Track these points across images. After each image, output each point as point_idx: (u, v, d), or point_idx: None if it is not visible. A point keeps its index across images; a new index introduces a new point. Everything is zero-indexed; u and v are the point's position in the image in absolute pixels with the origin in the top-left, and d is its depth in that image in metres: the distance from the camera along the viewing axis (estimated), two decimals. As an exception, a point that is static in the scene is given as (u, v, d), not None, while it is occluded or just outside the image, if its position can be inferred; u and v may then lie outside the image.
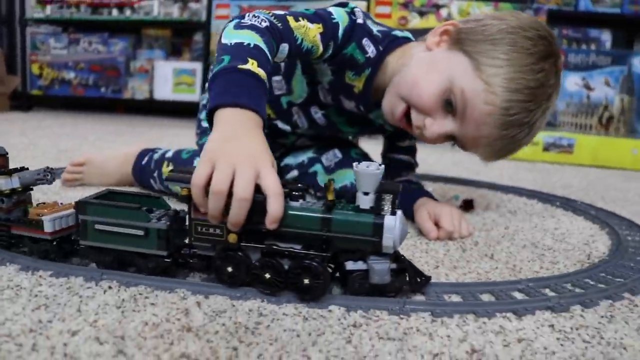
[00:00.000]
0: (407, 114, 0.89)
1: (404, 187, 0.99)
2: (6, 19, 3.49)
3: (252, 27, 0.77)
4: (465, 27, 0.87)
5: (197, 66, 2.98)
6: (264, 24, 0.78)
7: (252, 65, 0.71)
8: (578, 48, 2.89)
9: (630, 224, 1.08)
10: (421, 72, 0.88)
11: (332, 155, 1.14)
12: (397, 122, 0.92)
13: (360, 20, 0.93)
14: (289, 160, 1.19)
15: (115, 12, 3.05)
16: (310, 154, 1.16)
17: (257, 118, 0.66)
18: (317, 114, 1.05)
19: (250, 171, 0.58)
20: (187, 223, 0.63)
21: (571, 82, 2.60)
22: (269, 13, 0.82)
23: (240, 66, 0.70)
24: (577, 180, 1.70)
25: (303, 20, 0.84)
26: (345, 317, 0.56)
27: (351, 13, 0.93)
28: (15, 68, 3.51)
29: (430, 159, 1.96)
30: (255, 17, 0.79)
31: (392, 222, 0.58)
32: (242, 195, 0.57)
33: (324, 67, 0.96)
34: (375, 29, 0.95)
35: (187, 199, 0.61)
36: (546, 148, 2.09)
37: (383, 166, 0.60)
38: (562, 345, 0.54)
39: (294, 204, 0.61)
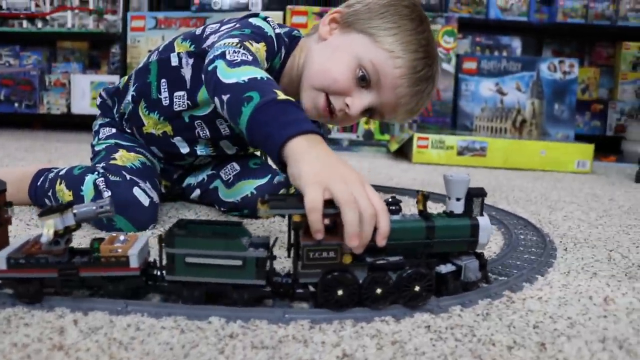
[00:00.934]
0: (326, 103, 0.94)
1: None
2: None
3: (246, 63, 0.79)
4: (350, 10, 0.96)
5: (115, 79, 2.91)
6: (250, 57, 0.82)
7: (281, 95, 0.72)
8: (490, 55, 3.02)
9: (525, 224, 1.13)
10: (326, 59, 0.94)
11: (230, 169, 1.14)
12: (321, 114, 0.96)
13: (277, 30, 0.98)
14: (190, 179, 1.18)
15: (25, 24, 2.94)
16: (208, 171, 1.16)
17: (321, 138, 0.68)
18: (223, 125, 1.05)
19: (366, 188, 0.62)
20: (291, 250, 0.64)
21: (485, 87, 2.71)
22: (238, 44, 0.83)
23: (278, 98, 0.71)
24: (486, 182, 1.77)
25: (253, 43, 0.88)
26: (223, 328, 0.56)
27: (270, 24, 0.98)
28: None
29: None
30: (236, 52, 0.81)
31: (485, 223, 0.67)
32: (380, 208, 0.61)
33: None
34: (282, 31, 1.00)
35: (300, 225, 0.60)
36: (460, 152, 2.17)
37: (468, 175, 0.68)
38: (433, 345, 0.56)
39: (395, 217, 0.65)
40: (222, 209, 1.13)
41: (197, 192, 1.18)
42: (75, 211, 0.65)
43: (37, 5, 2.97)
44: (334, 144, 2.51)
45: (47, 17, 2.92)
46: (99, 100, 1.18)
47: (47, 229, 0.63)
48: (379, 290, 0.62)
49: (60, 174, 1.06)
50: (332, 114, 0.95)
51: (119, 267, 0.63)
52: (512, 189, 1.65)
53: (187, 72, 1.02)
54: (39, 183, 1.09)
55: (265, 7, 2.53)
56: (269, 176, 1.09)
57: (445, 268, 0.67)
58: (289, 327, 0.58)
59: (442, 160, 2.16)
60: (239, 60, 0.79)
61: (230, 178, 1.12)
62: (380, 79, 0.92)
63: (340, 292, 0.61)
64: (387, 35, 0.92)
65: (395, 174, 1.83)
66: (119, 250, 0.63)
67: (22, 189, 1.11)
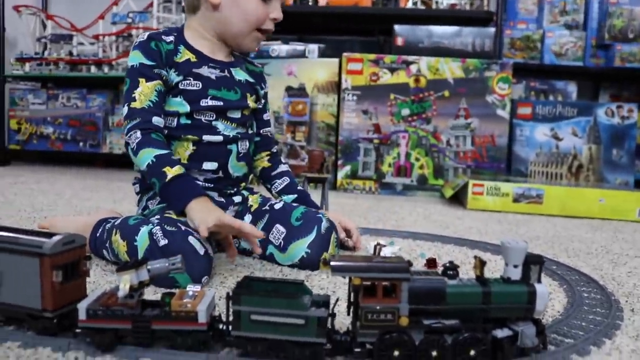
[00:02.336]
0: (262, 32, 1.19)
1: (300, 192, 1.30)
2: (-15, 75, 3.52)
3: (140, 146, 1.06)
4: None
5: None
6: (140, 135, 1.07)
7: (170, 172, 1.04)
8: (545, 100, 2.99)
9: (588, 280, 1.11)
10: (238, 9, 1.14)
11: (277, 233, 1.17)
12: (262, 40, 1.21)
13: (142, 37, 1.14)
14: (244, 244, 1.21)
15: (93, 69, 3.10)
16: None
17: (201, 194, 1.05)
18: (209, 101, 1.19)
19: (223, 219, 1.00)
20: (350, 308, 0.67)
21: (540, 132, 2.68)
22: (130, 128, 1.08)
23: (167, 180, 1.03)
24: (544, 231, 1.74)
25: (136, 92, 1.10)
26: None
27: (136, 45, 1.13)
28: (-7, 123, 3.53)
29: (403, 212, 1.99)
30: (130, 137, 1.07)
31: (543, 290, 0.68)
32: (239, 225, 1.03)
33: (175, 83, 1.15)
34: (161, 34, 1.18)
35: (359, 287, 0.63)
36: (516, 199, 2.14)
37: (526, 242, 0.69)
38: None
39: (453, 282, 0.67)
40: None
41: (255, 256, 1.21)
42: (149, 267, 0.69)
43: (104, 51, 3.13)
44: (389, 188, 2.53)
45: (113, 63, 3.07)
46: (137, 188, 1.24)
47: (123, 283, 0.67)
48: (434, 353, 0.64)
49: (115, 224, 1.10)
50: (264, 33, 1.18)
51: (188, 321, 0.66)
52: (570, 239, 1.61)
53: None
54: (97, 234, 1.14)
55: (322, 55, 2.59)
56: (315, 229, 1.13)
57: (501, 333, 0.67)
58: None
59: (498, 207, 2.14)
60: (134, 147, 1.07)
61: (281, 242, 1.15)
62: None
63: (396, 353, 0.63)
64: None
65: (451, 222, 1.82)
66: (189, 306, 0.67)
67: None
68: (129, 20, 3.04)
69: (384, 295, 0.63)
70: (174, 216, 1.05)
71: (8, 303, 0.72)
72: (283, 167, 1.33)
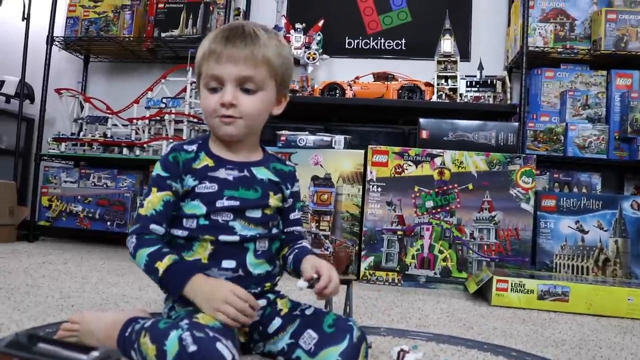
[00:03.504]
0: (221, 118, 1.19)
1: (299, 250, 1.27)
2: (23, 153, 3.66)
3: (135, 249, 1.15)
4: None
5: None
6: (135, 240, 1.16)
7: (159, 265, 1.12)
8: (570, 192, 3.00)
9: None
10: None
11: (309, 337, 1.15)
12: (225, 123, 1.19)
13: (167, 149, 1.23)
14: (271, 347, 1.21)
15: (125, 151, 3.21)
16: (287, 340, 1.18)
17: (194, 272, 1.13)
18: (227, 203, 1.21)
19: (235, 290, 1.11)
20: None
21: (565, 225, 2.68)
22: (135, 226, 1.18)
23: (160, 275, 1.12)
24: (570, 334, 1.71)
25: (146, 200, 1.18)
26: None
27: (164, 157, 1.22)
28: (26, 199, 3.64)
29: (426, 308, 1.97)
30: (128, 242, 1.17)
31: None
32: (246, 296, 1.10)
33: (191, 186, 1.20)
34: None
35: None
36: (541, 296, 2.11)
37: None
38: None
39: None
40: None
41: (281, 359, 1.20)
42: None
43: (136, 134, 3.25)
44: (412, 280, 2.51)
45: (145, 145, 3.19)
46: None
47: None
48: None
49: (145, 326, 1.10)
50: (234, 120, 1.18)
51: None
52: (598, 345, 1.58)
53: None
54: (126, 334, 1.15)
55: (347, 145, 2.66)
56: (348, 337, 1.11)
57: None
58: None
59: (523, 304, 2.11)
60: (132, 251, 1.16)
61: (311, 348, 1.13)
62: (213, 73, 1.17)
63: None
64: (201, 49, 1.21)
65: (475, 321, 1.80)
66: None
67: (112, 337, 1.17)
68: (162, 105, 3.17)
69: None
70: (202, 321, 1.06)
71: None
72: (298, 244, 1.31)
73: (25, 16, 3.47)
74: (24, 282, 1.93)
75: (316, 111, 2.99)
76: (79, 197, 3.30)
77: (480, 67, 3.10)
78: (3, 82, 3.69)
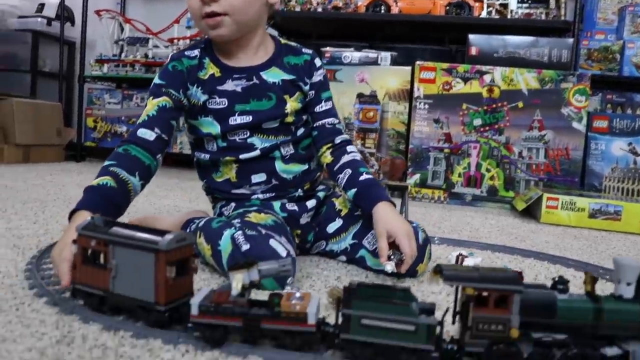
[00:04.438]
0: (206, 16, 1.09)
1: (363, 182, 1.13)
2: (66, 75, 3.69)
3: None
4: None
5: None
6: (114, 150, 1.06)
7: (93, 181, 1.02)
8: (623, 113, 2.90)
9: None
10: None
11: (373, 238, 1.12)
12: (211, 24, 1.08)
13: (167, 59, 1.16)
14: (333, 246, 1.20)
15: (168, 71, 3.20)
16: (350, 240, 1.17)
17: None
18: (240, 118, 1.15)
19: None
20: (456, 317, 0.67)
21: (616, 146, 2.59)
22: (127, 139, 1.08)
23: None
24: (625, 250, 1.68)
25: (147, 105, 1.10)
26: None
27: (163, 67, 1.15)
28: (71, 121, 3.69)
29: (475, 223, 1.96)
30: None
31: None
32: None
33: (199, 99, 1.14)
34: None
35: (472, 297, 0.63)
36: (592, 215, 2.08)
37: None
38: None
39: (563, 297, 0.66)
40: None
41: (343, 258, 1.20)
42: (260, 268, 0.71)
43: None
44: (458, 198, 2.50)
45: (187, 65, 3.16)
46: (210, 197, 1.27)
47: (236, 282, 0.69)
48: None
49: (200, 225, 1.11)
50: (218, 17, 1.07)
51: (297, 322, 0.68)
52: (655, 259, 1.56)
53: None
54: None
55: (393, 62, 2.59)
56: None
57: (611, 351, 0.66)
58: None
59: (573, 222, 2.08)
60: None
61: (376, 247, 1.08)
62: None
63: None
64: None
65: (526, 235, 1.78)
66: (298, 307, 0.68)
67: None
68: (204, 25, 3.12)
69: (496, 306, 0.63)
70: (254, 220, 1.05)
71: (121, 294, 0.76)
72: (345, 158, 1.19)
73: None
74: (78, 194, 1.97)
75: (360, 28, 2.90)
76: (122, 117, 3.33)
77: (533, -18, 2.94)
78: (43, 5, 3.68)
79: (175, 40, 3.22)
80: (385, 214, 1.06)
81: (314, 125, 1.22)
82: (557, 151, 2.44)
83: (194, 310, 0.69)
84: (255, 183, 1.17)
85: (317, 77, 1.22)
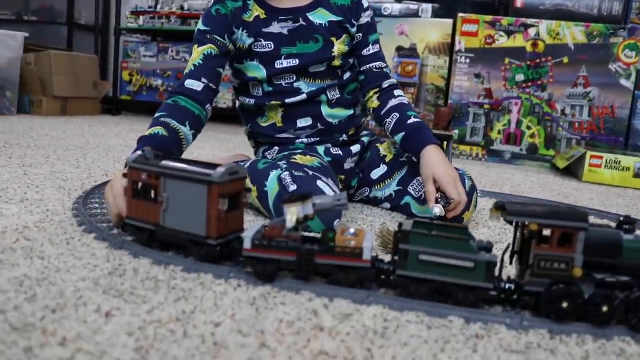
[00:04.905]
0: None
1: (411, 125, 1.11)
2: (101, 28, 3.69)
3: (158, 111, 1.02)
4: None
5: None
6: (164, 102, 1.04)
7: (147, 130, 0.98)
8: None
9: None
10: None
11: (418, 184, 1.11)
12: None
13: (209, 3, 1.11)
14: (377, 192, 1.19)
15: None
16: (394, 186, 1.16)
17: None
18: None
19: None
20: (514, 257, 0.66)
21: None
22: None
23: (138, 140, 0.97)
24: (672, 208, 1.63)
25: (192, 55, 1.08)
26: (465, 328, 0.57)
27: (206, 11, 1.10)
28: (107, 74, 3.71)
29: (516, 179, 1.93)
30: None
31: None
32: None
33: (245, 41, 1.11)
34: None
35: (535, 233, 0.61)
36: (637, 174, 2.02)
37: None
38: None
39: (629, 237, 0.64)
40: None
41: (387, 205, 1.18)
42: (315, 202, 0.69)
43: (213, 6, 3.19)
44: (496, 155, 2.45)
45: (222, 18, 3.13)
46: (252, 142, 1.26)
47: (290, 215, 0.68)
48: (604, 308, 0.61)
49: (245, 167, 1.10)
50: None
51: (352, 257, 0.67)
52: None
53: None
54: None
55: (435, 14, 2.52)
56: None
57: None
58: (530, 335, 0.57)
59: (616, 182, 2.02)
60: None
61: (421, 194, 1.08)
62: None
63: (565, 304, 0.61)
64: None
65: (569, 192, 1.75)
66: (353, 242, 0.67)
67: None
68: (240, -24, 3.07)
69: (559, 245, 0.61)
70: (300, 161, 1.05)
71: (172, 228, 0.76)
72: (392, 102, 1.16)
73: None
74: (117, 143, 2.00)
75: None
76: (158, 70, 3.33)
77: None
78: (79, -45, 3.67)
79: (211, -8, 3.18)
80: (433, 157, 1.04)
81: (361, 69, 1.19)
82: (602, 109, 2.37)
83: (247, 244, 0.69)
84: (300, 127, 1.15)
85: (365, 18, 1.17)
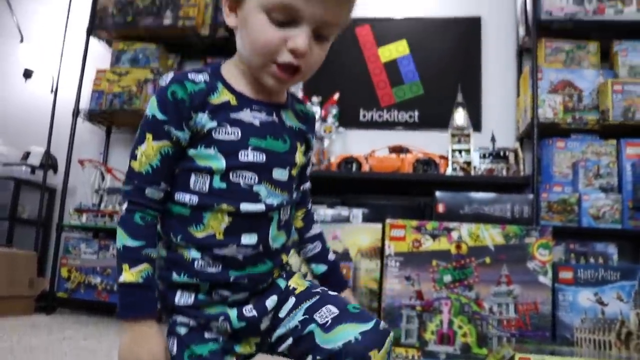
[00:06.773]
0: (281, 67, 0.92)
1: (332, 262, 1.15)
2: (44, 223, 3.73)
3: (120, 222, 0.93)
4: None
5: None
6: (125, 210, 0.93)
7: (125, 270, 0.90)
8: (586, 263, 3.00)
9: None
10: (246, 37, 0.93)
11: (327, 312, 0.96)
12: (286, 80, 0.94)
13: (165, 80, 0.94)
14: (280, 331, 1.01)
15: (146, 223, 3.26)
16: (300, 317, 0.99)
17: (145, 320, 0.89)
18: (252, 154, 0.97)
19: None
20: None
21: (584, 297, 2.66)
22: (129, 186, 0.93)
23: (120, 282, 0.90)
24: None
25: (144, 145, 0.92)
26: None
27: (157, 90, 0.94)
28: (45, 270, 3.68)
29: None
30: (122, 203, 0.94)
31: None
32: None
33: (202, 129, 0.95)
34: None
35: None
36: (564, 375, 2.09)
37: None
38: None
39: None
40: (317, 358, 0.93)
41: (290, 341, 0.99)
42: None
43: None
44: (432, 356, 2.50)
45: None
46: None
47: None
48: None
49: None
50: (294, 72, 0.93)
51: None
52: None
53: None
54: None
55: (365, 219, 2.70)
56: (374, 321, 0.94)
57: None
58: None
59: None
60: (119, 219, 0.94)
61: (328, 321, 0.94)
62: (292, 5, 0.87)
63: None
64: None
65: None
66: None
67: None
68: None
69: None
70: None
71: None
72: (316, 230, 1.14)
73: (54, 89, 3.62)
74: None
75: (333, 185, 3.05)
76: (97, 268, 3.34)
77: (493, 140, 3.16)
78: (29, 153, 3.81)
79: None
80: (351, 299, 1.08)
81: (300, 187, 1.12)
82: (526, 305, 2.50)
83: None
84: (243, 245, 0.96)
85: (315, 138, 1.11)
